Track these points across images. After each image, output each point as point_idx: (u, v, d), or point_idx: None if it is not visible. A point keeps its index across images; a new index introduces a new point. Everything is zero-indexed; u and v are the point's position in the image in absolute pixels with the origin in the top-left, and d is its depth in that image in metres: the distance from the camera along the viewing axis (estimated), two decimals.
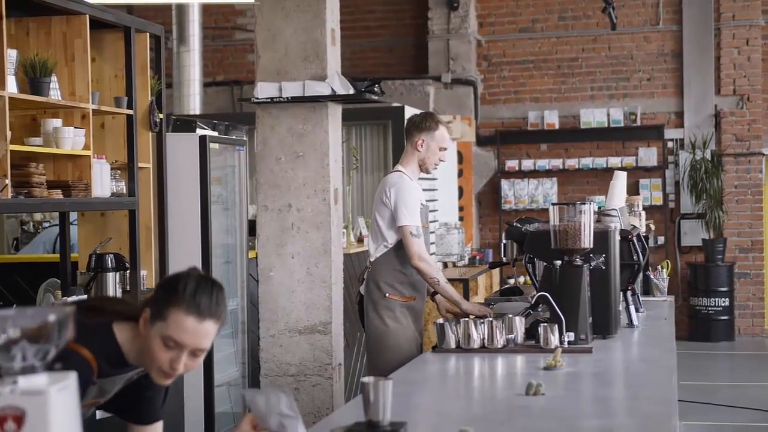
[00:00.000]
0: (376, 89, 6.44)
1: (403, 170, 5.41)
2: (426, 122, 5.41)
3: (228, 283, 7.08)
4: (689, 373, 10.29)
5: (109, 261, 5.59)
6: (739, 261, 12.78)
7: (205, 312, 2.60)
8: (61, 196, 5.13)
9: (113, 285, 5.60)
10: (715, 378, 10.55)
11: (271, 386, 2.67)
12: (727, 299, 12.45)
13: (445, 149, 5.46)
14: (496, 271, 11.76)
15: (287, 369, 5.93)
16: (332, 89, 6.05)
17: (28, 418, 1.76)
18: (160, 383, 2.72)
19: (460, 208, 12.61)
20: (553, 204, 4.56)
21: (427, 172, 5.53)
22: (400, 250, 5.26)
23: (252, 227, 6.67)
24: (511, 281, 12.34)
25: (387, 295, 5.30)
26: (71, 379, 1.83)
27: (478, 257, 11.30)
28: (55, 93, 5.13)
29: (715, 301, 12.43)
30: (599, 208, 5.41)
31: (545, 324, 4.29)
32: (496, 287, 10.86)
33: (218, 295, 2.66)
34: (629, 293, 5.17)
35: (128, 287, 5.80)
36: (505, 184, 13.15)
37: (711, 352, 11.94)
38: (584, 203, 4.51)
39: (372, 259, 5.40)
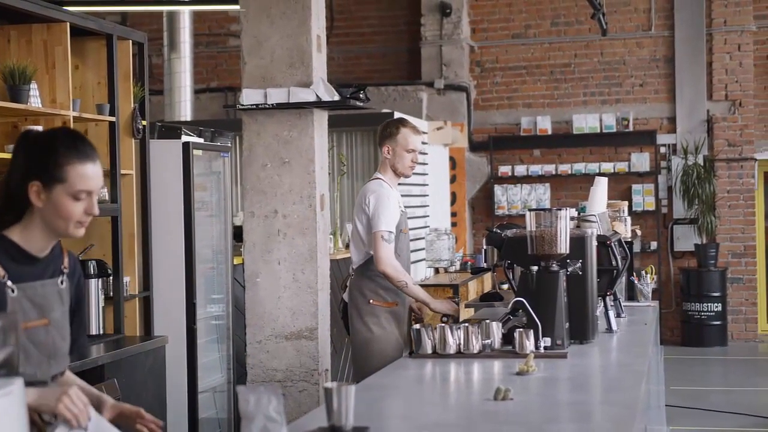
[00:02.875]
0: (361, 95, 6.45)
1: (382, 178, 5.51)
2: (387, 129, 5.57)
3: (213, 290, 7.09)
4: (682, 378, 10.30)
5: (92, 267, 5.60)
6: (732, 266, 12.78)
7: (93, 155, 2.78)
8: None
9: (96, 292, 5.61)
10: (708, 383, 10.56)
11: (265, 387, 2.69)
12: (720, 304, 12.46)
13: (413, 151, 5.53)
14: (487, 277, 11.77)
15: (274, 375, 5.95)
16: (317, 96, 6.07)
17: None
18: (77, 236, 2.79)
19: (453, 214, 12.63)
20: (530, 210, 4.57)
21: (405, 176, 5.60)
22: None
23: (238, 233, 6.68)
24: (505, 287, 12.36)
25: (371, 301, 5.37)
26: (16, 385, 1.85)
27: (470, 263, 11.31)
28: (35, 100, 5.15)
29: (707, 306, 12.43)
30: (578, 213, 5.41)
31: (521, 329, 4.30)
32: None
33: (84, 137, 2.84)
34: (609, 298, 5.18)
35: (111, 294, 5.81)
36: (498, 189, 13.16)
37: (704, 357, 11.94)
38: (560, 209, 4.52)
39: (354, 266, 5.47)
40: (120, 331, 5.83)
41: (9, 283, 2.71)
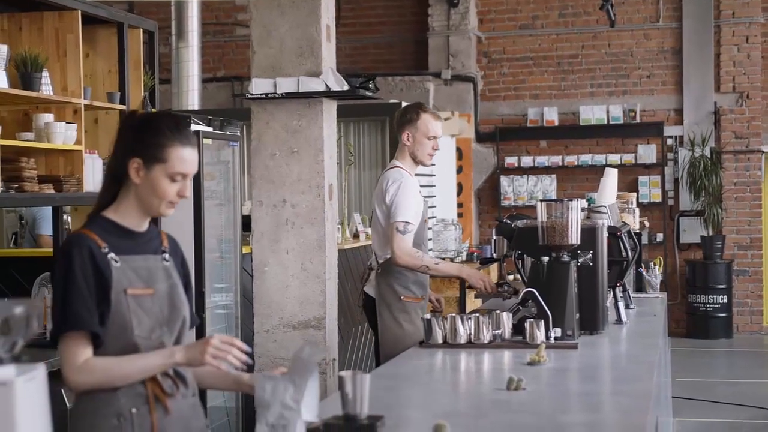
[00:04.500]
0: (370, 86, 6.44)
1: (400, 166, 5.36)
2: (407, 114, 5.39)
3: (222, 279, 7.10)
4: (687, 369, 10.31)
5: None
6: (738, 258, 12.78)
7: (193, 140, 2.92)
8: (52, 191, 5.15)
9: None
10: (713, 375, 10.57)
11: (280, 375, 2.75)
12: (726, 296, 12.46)
13: (434, 137, 5.37)
14: (494, 267, 11.78)
15: (281, 364, 5.93)
16: (326, 85, 6.06)
17: None
18: (166, 215, 2.93)
19: (460, 205, 12.63)
20: (541, 200, 4.56)
21: (424, 165, 5.46)
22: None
23: (246, 223, 6.69)
24: (510, 277, 12.36)
25: (402, 297, 5.25)
26: (39, 370, 1.86)
27: (476, 253, 11.31)
28: (46, 88, 5.16)
29: (713, 298, 12.44)
30: (589, 204, 5.41)
31: (531, 320, 4.30)
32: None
33: (187, 122, 3.02)
34: (618, 290, 5.18)
35: None
36: (504, 180, 13.16)
37: (709, 349, 11.95)
38: (572, 200, 4.52)
39: (381, 260, 5.31)
40: None
41: (111, 254, 2.84)
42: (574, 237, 4.47)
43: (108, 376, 2.82)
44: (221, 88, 13.45)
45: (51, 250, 6.31)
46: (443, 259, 10.12)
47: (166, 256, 3.01)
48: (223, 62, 13.91)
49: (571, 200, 4.52)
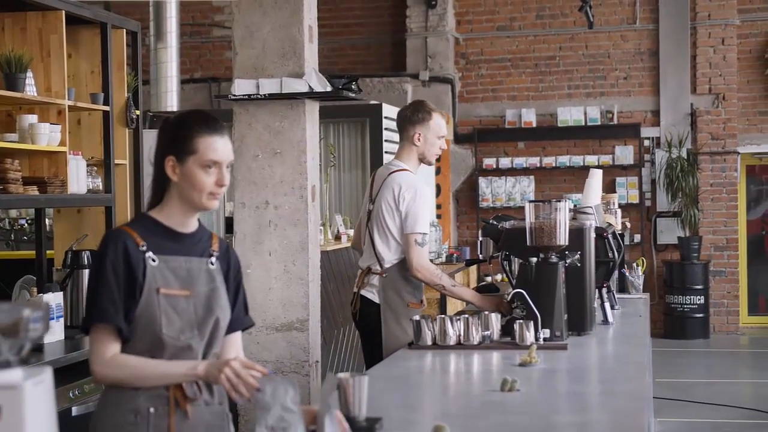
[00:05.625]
0: (353, 87, 6.44)
1: (409, 169, 5.17)
2: (419, 113, 5.17)
3: None
4: (665, 370, 10.36)
5: (86, 258, 5.56)
6: (715, 259, 12.86)
7: (220, 129, 2.97)
8: (37, 193, 5.11)
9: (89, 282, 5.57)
10: (691, 375, 10.62)
11: (281, 377, 2.76)
12: (703, 297, 12.54)
13: (443, 137, 5.23)
14: (473, 269, 11.80)
15: (264, 366, 5.92)
16: (310, 86, 6.05)
17: (2, 412, 1.76)
18: (210, 207, 2.96)
19: (438, 206, 12.64)
20: (530, 201, 4.57)
21: (429, 164, 5.32)
22: None
23: (229, 224, 6.66)
24: (488, 279, 12.39)
25: (409, 304, 5.11)
26: (46, 373, 1.84)
27: (455, 255, 11.32)
28: (30, 89, 5.11)
29: (690, 299, 12.51)
30: (575, 205, 5.42)
31: (521, 321, 4.31)
32: (474, 284, 10.88)
33: (214, 116, 3.03)
34: (604, 290, 5.19)
35: None
36: (482, 182, 13.18)
37: (686, 350, 12.01)
38: (560, 201, 4.53)
39: (387, 265, 5.12)
40: None
41: (150, 253, 2.89)
42: (563, 238, 4.49)
43: (131, 375, 2.86)
44: (198, 90, 13.40)
45: (32, 252, 6.26)
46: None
47: (213, 259, 3.03)
48: (200, 63, 13.86)
49: (559, 201, 4.53)
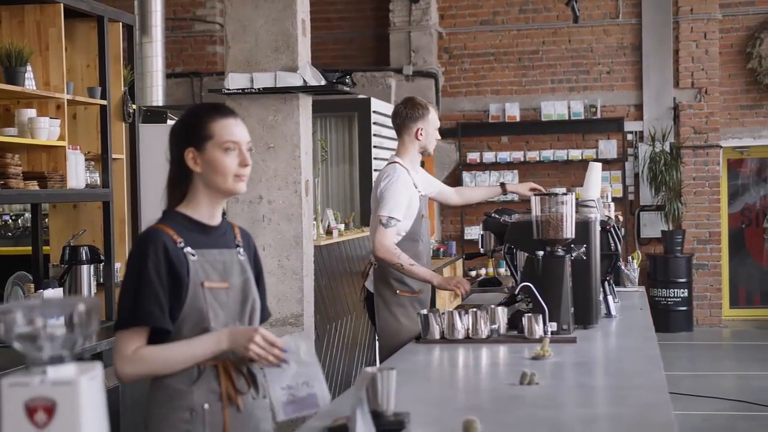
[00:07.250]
0: (347, 81, 6.42)
1: (400, 162, 5.35)
2: (417, 110, 5.40)
3: None
4: None
5: (84, 253, 5.52)
6: (698, 252, 12.93)
7: (231, 112, 2.97)
8: (37, 188, 5.05)
9: (87, 278, 5.53)
10: (675, 368, 10.66)
11: (288, 335, 2.77)
12: (686, 290, 12.60)
13: (438, 127, 5.55)
14: (459, 263, 11.80)
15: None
16: (304, 80, 6.03)
17: (58, 408, 1.75)
18: (239, 190, 2.94)
19: None
20: (535, 194, 4.57)
21: (430, 155, 5.58)
22: (407, 243, 5.21)
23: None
24: (472, 273, 12.40)
25: (398, 291, 5.25)
26: (98, 368, 1.82)
27: (441, 249, 11.33)
28: (30, 83, 5.06)
29: (673, 292, 12.57)
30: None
31: (529, 314, 4.30)
32: None
33: (223, 104, 3.08)
34: (606, 283, 5.20)
35: (102, 280, 5.73)
36: (466, 176, 13.18)
37: (670, 343, 12.05)
38: (566, 193, 4.53)
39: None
40: (112, 318, 5.75)
41: (188, 248, 2.88)
42: (569, 231, 4.48)
43: (154, 365, 2.83)
44: (180, 84, 13.31)
45: (21, 248, 6.21)
46: None
47: (241, 250, 3.01)
48: (181, 58, 13.77)
49: (566, 194, 4.53)
